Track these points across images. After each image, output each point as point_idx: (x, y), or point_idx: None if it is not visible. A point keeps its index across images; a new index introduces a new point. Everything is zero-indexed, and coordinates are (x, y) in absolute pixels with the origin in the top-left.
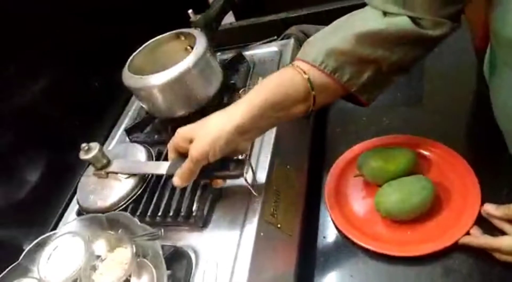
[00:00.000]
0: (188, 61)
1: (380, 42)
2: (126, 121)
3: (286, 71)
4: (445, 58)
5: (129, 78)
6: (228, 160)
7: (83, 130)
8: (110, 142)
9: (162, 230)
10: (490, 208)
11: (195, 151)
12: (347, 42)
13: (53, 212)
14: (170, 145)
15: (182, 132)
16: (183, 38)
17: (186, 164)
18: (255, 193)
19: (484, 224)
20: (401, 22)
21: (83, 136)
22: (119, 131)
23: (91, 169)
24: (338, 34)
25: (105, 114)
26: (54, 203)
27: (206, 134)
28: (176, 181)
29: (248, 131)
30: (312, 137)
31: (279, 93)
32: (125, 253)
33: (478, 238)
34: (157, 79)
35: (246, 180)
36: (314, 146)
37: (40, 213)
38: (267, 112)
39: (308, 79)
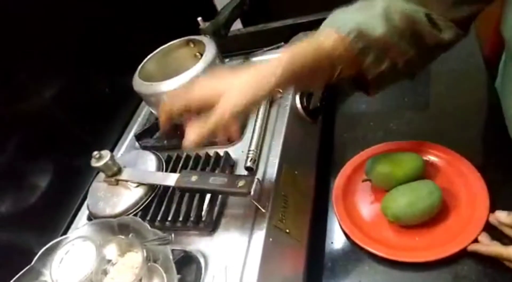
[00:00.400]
0: (198, 68)
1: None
2: (136, 127)
3: (321, 41)
4: (452, 63)
5: (139, 84)
6: (236, 176)
7: (93, 135)
8: (120, 147)
9: (173, 235)
10: (501, 215)
11: (231, 102)
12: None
13: (63, 217)
14: (166, 109)
15: (207, 84)
16: (192, 45)
17: (215, 119)
18: (262, 210)
19: (493, 231)
20: (419, 19)
21: (93, 141)
22: (129, 137)
23: (101, 175)
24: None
25: (116, 120)
26: (64, 208)
27: (243, 85)
28: (191, 137)
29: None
30: (320, 142)
31: (313, 61)
32: (136, 257)
33: (487, 246)
34: (167, 86)
35: (252, 199)
36: (321, 151)
37: (51, 218)
38: (300, 79)
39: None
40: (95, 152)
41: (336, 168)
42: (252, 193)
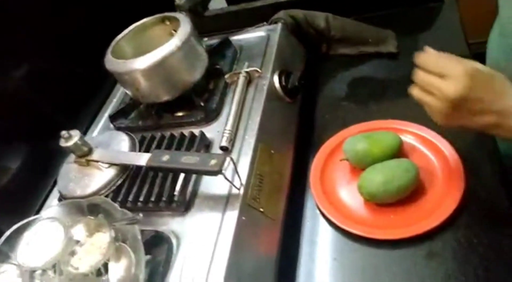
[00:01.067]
0: (171, 44)
1: None
2: (111, 108)
3: None
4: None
5: (111, 62)
6: (207, 154)
7: (66, 116)
8: (94, 129)
9: (141, 215)
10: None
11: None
12: None
13: (36, 199)
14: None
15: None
16: (168, 22)
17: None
18: (236, 188)
19: (470, 208)
20: None
21: (67, 123)
22: (104, 118)
23: (72, 157)
24: None
25: (90, 101)
26: (37, 190)
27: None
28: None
29: None
30: (299, 122)
31: None
32: (104, 237)
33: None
34: (140, 63)
35: (225, 177)
36: (301, 132)
37: (23, 200)
38: None
39: None
40: (64, 132)
41: (316, 148)
42: (223, 171)
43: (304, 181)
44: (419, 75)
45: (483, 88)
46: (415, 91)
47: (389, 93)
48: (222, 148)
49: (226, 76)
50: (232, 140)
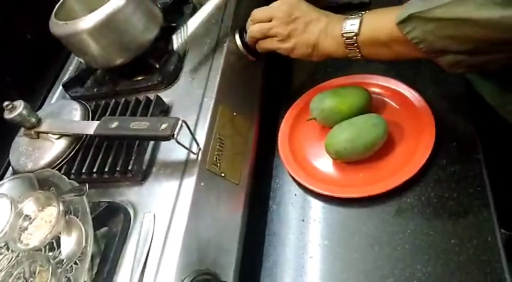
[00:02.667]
0: (116, 1)
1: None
2: (67, 76)
3: None
4: None
5: (55, 25)
6: (158, 119)
7: (17, 88)
8: (51, 99)
9: (87, 186)
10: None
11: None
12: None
13: None
14: None
15: None
16: None
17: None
18: (193, 153)
19: (440, 162)
20: None
21: (19, 95)
22: (60, 88)
23: (22, 129)
24: None
25: (44, 70)
26: None
27: None
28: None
29: None
30: (265, 83)
31: None
32: (54, 211)
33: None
34: (85, 23)
35: (178, 142)
36: (268, 93)
37: None
38: None
39: None
40: (6, 103)
41: (284, 108)
42: (175, 136)
43: (272, 144)
44: (255, 28)
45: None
46: (261, 45)
47: None
48: (164, 107)
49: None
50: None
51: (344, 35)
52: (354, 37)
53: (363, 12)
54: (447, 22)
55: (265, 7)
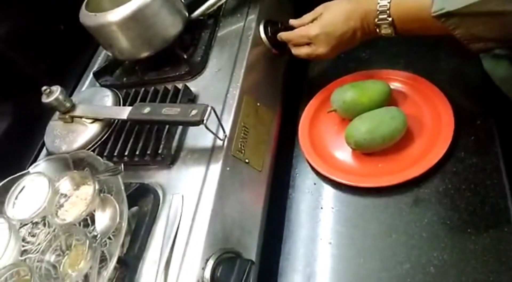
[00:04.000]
0: None
1: None
2: (97, 66)
3: None
4: None
5: (85, 16)
6: (188, 105)
7: (52, 76)
8: (81, 87)
9: (123, 166)
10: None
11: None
12: None
13: (25, 157)
14: None
15: None
16: None
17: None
18: (220, 139)
19: (458, 155)
20: None
21: (52, 81)
22: (90, 76)
23: (57, 114)
24: None
25: (75, 59)
26: (26, 149)
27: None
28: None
29: None
30: (288, 75)
31: None
32: (89, 189)
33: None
34: (114, 16)
35: (206, 127)
36: (290, 85)
37: (12, 159)
38: None
39: None
40: (45, 87)
41: (305, 100)
42: (205, 121)
43: (293, 134)
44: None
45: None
46: (296, 51)
47: (379, 43)
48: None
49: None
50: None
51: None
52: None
53: None
54: (482, 16)
55: (303, 29)
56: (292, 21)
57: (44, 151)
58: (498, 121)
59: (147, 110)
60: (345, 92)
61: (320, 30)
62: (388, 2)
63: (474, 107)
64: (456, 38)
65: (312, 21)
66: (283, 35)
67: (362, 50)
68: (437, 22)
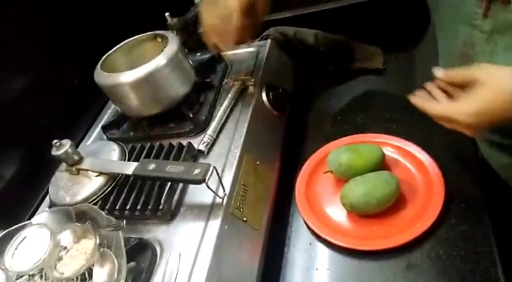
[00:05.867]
0: (158, 61)
1: None
2: (105, 118)
3: None
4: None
5: (100, 75)
6: (192, 164)
7: (61, 127)
8: (88, 139)
9: (124, 221)
10: (438, 72)
11: None
12: None
13: (28, 206)
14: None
15: None
16: (159, 39)
17: None
18: (219, 197)
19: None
20: None
21: (61, 133)
22: (98, 128)
23: (64, 165)
24: None
25: (85, 112)
26: (29, 198)
27: None
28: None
29: None
30: (287, 135)
31: None
32: (89, 243)
33: (429, 101)
34: (126, 77)
35: (208, 186)
36: (288, 144)
37: (16, 207)
38: None
39: None
40: (55, 141)
41: (302, 160)
42: (206, 180)
43: (290, 193)
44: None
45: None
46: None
47: (374, 108)
48: (198, 151)
49: (224, 81)
50: (210, 144)
51: None
52: None
53: None
54: None
55: (449, 108)
56: (438, 72)
57: (45, 201)
58: (487, 189)
59: (152, 166)
60: (341, 154)
61: (475, 116)
62: None
63: (464, 175)
64: None
65: (462, 85)
66: (429, 108)
67: (358, 114)
68: None
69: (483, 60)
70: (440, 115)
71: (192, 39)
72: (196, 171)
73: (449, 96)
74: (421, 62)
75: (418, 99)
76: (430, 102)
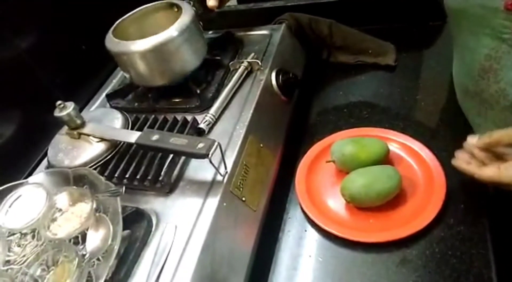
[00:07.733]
0: (170, 31)
1: None
2: (110, 87)
3: None
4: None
5: (111, 41)
6: (196, 138)
7: (64, 90)
8: (91, 106)
9: (124, 188)
10: (471, 139)
11: None
12: None
13: (24, 167)
14: None
15: None
16: (176, 9)
17: None
18: (221, 174)
19: (448, 221)
20: None
21: (65, 96)
22: (101, 97)
23: (65, 128)
24: None
25: (90, 79)
26: (27, 158)
27: None
28: None
29: None
30: (292, 122)
31: None
32: (85, 207)
33: (468, 164)
34: (137, 46)
35: (211, 162)
36: (293, 131)
37: (13, 165)
38: None
39: None
40: (59, 102)
41: (305, 148)
42: (210, 155)
43: (290, 179)
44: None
45: None
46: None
47: (381, 104)
48: (199, 129)
49: (230, 63)
50: (211, 123)
51: None
52: None
53: None
54: None
55: (497, 175)
56: (472, 140)
57: (43, 163)
58: (488, 192)
59: (155, 137)
60: (346, 146)
61: None
62: None
63: (466, 177)
64: None
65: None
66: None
67: (364, 109)
68: None
69: (508, 75)
70: (494, 181)
71: (208, 16)
72: (200, 145)
73: (494, 155)
74: (434, 62)
75: (462, 163)
76: (478, 167)
